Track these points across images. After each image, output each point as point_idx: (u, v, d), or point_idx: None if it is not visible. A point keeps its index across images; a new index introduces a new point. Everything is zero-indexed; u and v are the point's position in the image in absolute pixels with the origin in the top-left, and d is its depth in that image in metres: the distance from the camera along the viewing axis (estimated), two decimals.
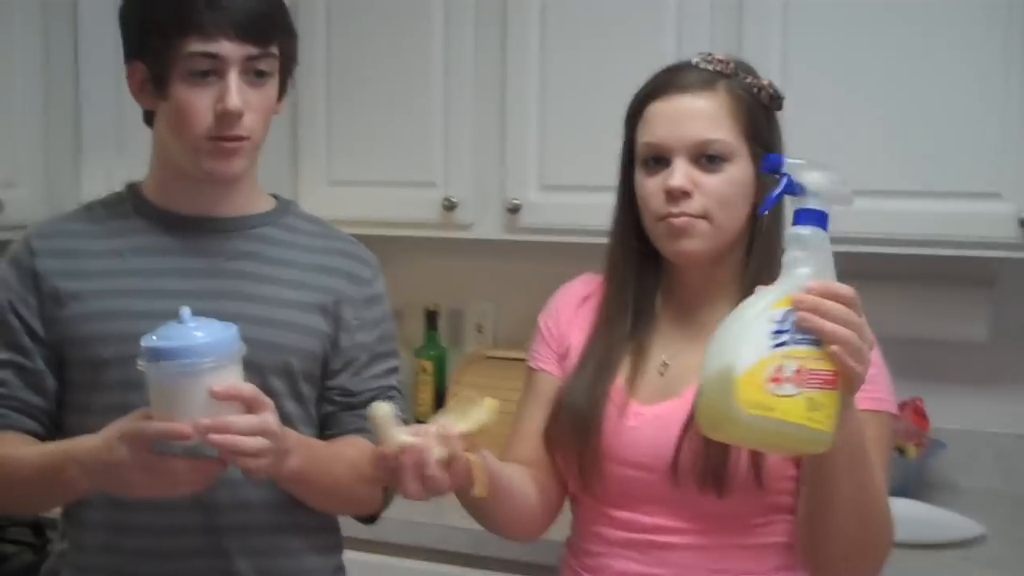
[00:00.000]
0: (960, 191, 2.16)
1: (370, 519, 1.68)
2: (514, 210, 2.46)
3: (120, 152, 2.73)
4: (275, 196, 1.69)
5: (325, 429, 1.62)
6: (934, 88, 2.16)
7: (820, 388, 1.25)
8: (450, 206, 2.51)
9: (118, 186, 2.62)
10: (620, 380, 1.58)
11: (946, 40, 2.15)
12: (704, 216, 1.51)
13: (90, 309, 1.53)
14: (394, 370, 1.68)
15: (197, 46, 1.46)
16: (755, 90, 1.54)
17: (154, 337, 1.33)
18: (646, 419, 1.54)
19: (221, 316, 1.38)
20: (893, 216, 2.19)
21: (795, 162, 1.31)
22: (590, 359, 1.60)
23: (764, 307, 1.27)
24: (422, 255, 2.81)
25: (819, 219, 1.28)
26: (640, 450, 1.52)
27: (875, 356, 1.50)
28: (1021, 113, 2.11)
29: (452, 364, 2.83)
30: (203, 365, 1.31)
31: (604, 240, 2.38)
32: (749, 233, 1.56)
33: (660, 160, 1.54)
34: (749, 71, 1.57)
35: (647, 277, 1.62)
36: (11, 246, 1.61)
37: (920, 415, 2.39)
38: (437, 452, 1.34)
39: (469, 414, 1.39)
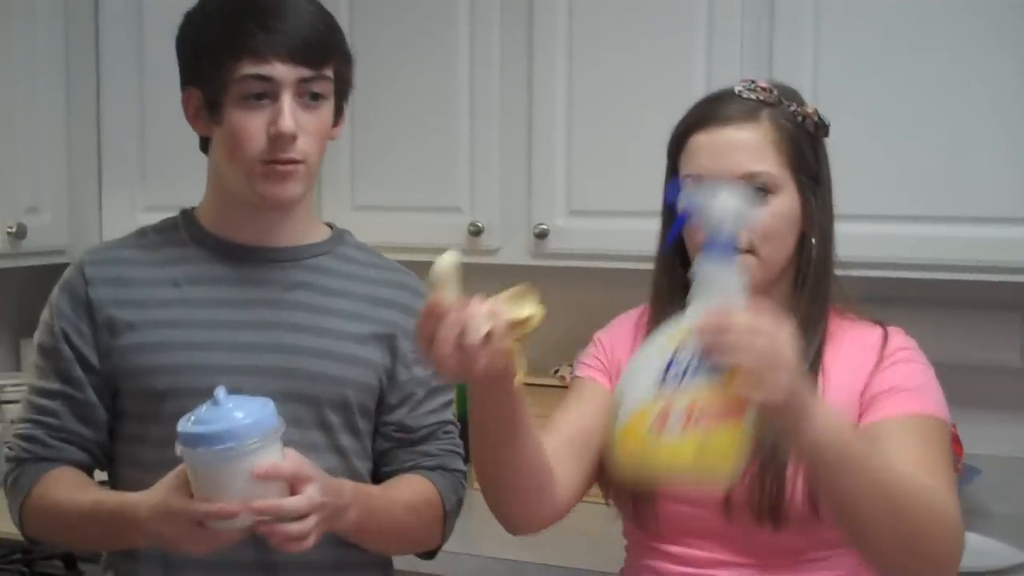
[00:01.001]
0: (992, 216, 2.15)
1: (429, 555, 1.67)
2: (542, 235, 2.44)
3: (142, 179, 2.75)
4: (329, 225, 1.67)
5: (381, 466, 1.60)
6: (966, 113, 2.15)
7: (717, 424, 1.23)
8: (476, 231, 2.49)
9: (140, 212, 2.66)
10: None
11: (978, 65, 2.14)
12: (749, 250, 1.48)
13: (145, 339, 1.51)
14: (449, 404, 1.65)
15: (250, 69, 1.45)
16: (800, 119, 1.52)
17: (191, 420, 1.32)
18: None
19: (278, 347, 1.37)
20: (925, 241, 2.18)
21: (693, 192, 1.29)
22: None
23: (653, 348, 1.27)
24: None
25: (722, 250, 1.26)
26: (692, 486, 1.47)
27: (920, 366, 1.52)
28: None
29: (467, 389, 2.80)
30: (244, 449, 1.31)
31: (632, 265, 2.40)
32: (797, 262, 1.54)
33: None
34: (793, 98, 1.54)
35: None
36: (65, 273, 1.60)
37: (954, 441, 2.37)
38: (482, 325, 1.24)
39: (521, 306, 1.31)
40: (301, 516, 1.34)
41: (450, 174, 2.52)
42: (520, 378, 1.33)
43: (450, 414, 1.65)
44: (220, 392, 1.33)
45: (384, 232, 2.51)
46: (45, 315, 1.58)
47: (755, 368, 1.21)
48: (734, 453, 1.25)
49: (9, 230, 2.51)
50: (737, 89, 1.54)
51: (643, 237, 2.35)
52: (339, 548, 1.54)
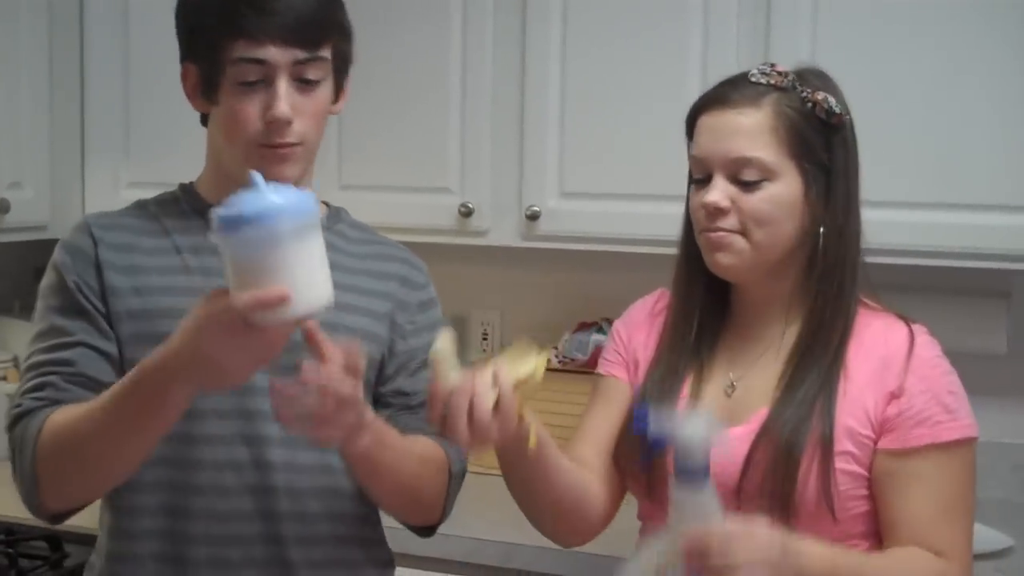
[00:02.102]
0: (985, 203, 2.16)
1: (428, 531, 1.65)
2: (533, 217, 2.43)
3: (126, 154, 2.73)
4: (325, 203, 1.66)
5: None
6: (961, 100, 2.15)
7: None
8: (467, 212, 2.48)
9: (124, 188, 2.63)
10: (684, 395, 1.56)
11: (974, 53, 2.14)
12: (740, 232, 1.50)
13: (151, 305, 1.50)
14: None
15: (244, 51, 1.43)
16: (809, 105, 1.51)
17: (232, 204, 1.20)
18: None
19: None
20: (918, 228, 2.19)
21: (663, 424, 1.33)
22: (656, 372, 1.59)
23: (645, 571, 1.34)
24: (429, 261, 2.77)
25: (697, 475, 1.31)
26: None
27: (948, 378, 1.53)
28: None
29: None
30: (289, 225, 1.19)
31: (624, 248, 2.40)
32: (808, 249, 1.54)
33: (704, 174, 1.53)
34: (812, 83, 1.53)
35: (713, 292, 1.60)
36: (66, 237, 1.56)
37: None
38: (488, 398, 1.30)
39: (522, 362, 1.35)
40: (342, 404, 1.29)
41: (440, 154, 2.50)
42: (533, 442, 1.39)
43: None
44: (257, 176, 1.23)
45: (373, 212, 2.44)
46: (49, 278, 1.54)
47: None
48: None
49: None
50: (752, 73, 1.54)
51: (635, 220, 2.38)
52: (345, 524, 1.56)
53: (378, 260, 1.63)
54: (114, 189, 2.66)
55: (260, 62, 1.44)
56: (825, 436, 1.47)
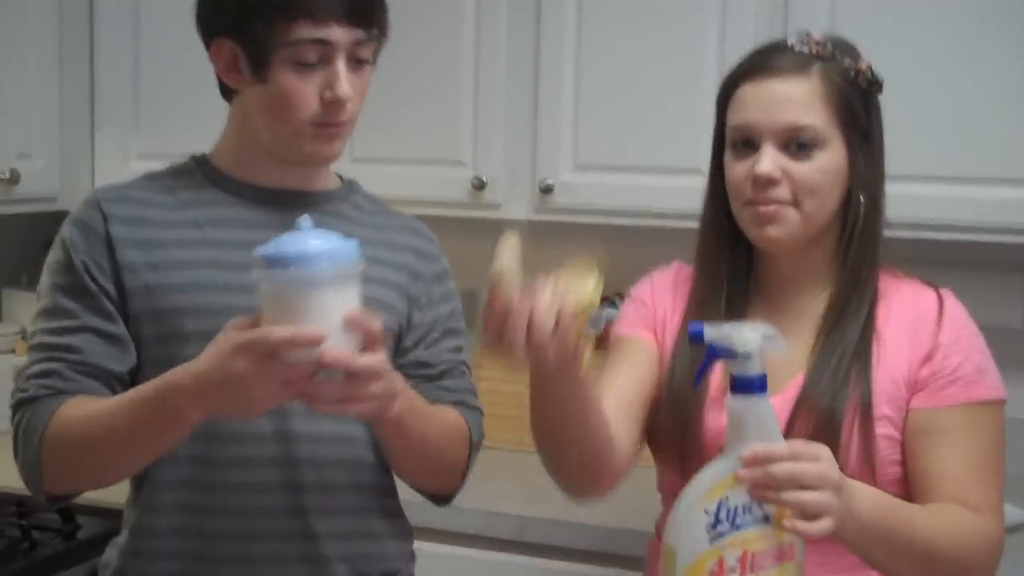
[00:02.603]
0: (1002, 177, 2.14)
1: (445, 499, 1.65)
2: (547, 190, 2.41)
3: (135, 126, 2.71)
4: (338, 175, 1.66)
5: None
6: (977, 75, 2.14)
7: (773, 566, 1.27)
8: (479, 185, 2.46)
9: (133, 160, 2.61)
10: (718, 367, 1.54)
11: (990, 26, 2.12)
12: (792, 204, 1.49)
13: (171, 280, 1.47)
14: (461, 348, 1.66)
15: (305, 32, 1.41)
16: (852, 74, 1.51)
17: (275, 244, 1.24)
18: None
19: None
20: (934, 201, 2.17)
21: (719, 328, 1.29)
22: (687, 344, 1.56)
23: (698, 497, 1.27)
24: (441, 234, 2.76)
25: (754, 385, 1.27)
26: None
27: (977, 340, 1.55)
28: None
29: (467, 346, 2.78)
30: (332, 274, 1.22)
31: (639, 221, 2.38)
32: (842, 218, 1.53)
33: (749, 144, 1.51)
34: (848, 52, 1.53)
35: (738, 262, 1.59)
36: (75, 211, 1.54)
37: None
38: (549, 317, 1.23)
39: (582, 282, 1.29)
40: (365, 377, 1.27)
41: (453, 126, 2.48)
42: (586, 365, 1.33)
43: (464, 356, 1.66)
44: (306, 220, 1.25)
45: (384, 185, 2.42)
46: (57, 254, 1.51)
47: (811, 500, 1.25)
48: None
49: (1, 176, 2.46)
50: (790, 41, 1.53)
51: (650, 193, 2.36)
52: (367, 494, 1.56)
53: (392, 231, 1.62)
54: (123, 160, 2.65)
55: (322, 42, 1.42)
56: (864, 401, 1.48)
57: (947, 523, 1.45)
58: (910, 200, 2.15)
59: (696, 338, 1.30)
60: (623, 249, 2.52)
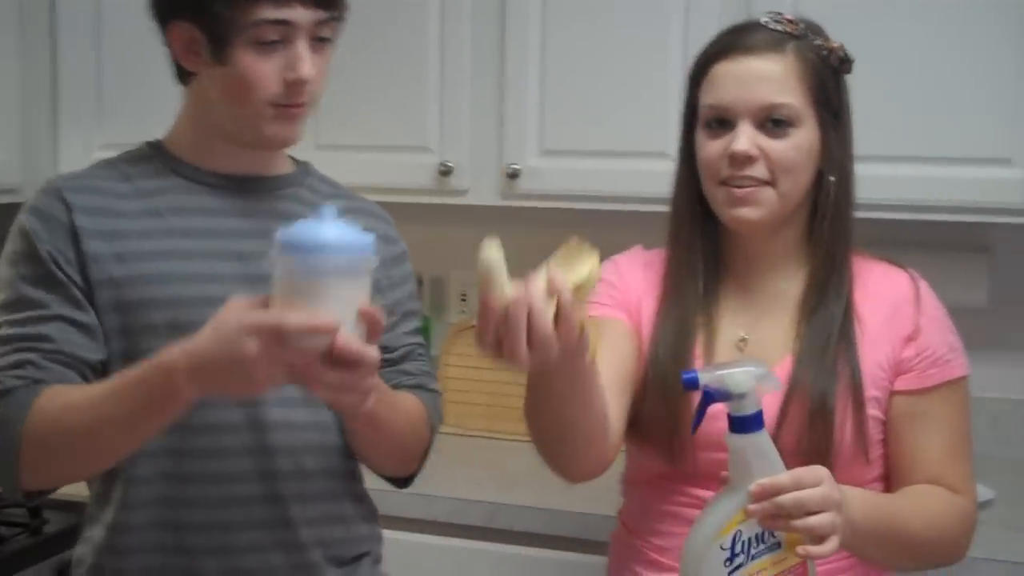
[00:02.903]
0: (969, 157, 2.16)
1: (405, 482, 1.65)
2: (513, 175, 2.40)
3: (98, 115, 2.68)
4: (291, 157, 1.64)
5: None
6: (946, 54, 2.14)
7: None
8: (446, 171, 2.45)
9: (96, 150, 2.59)
10: (698, 352, 1.54)
11: (959, 5, 2.13)
12: (768, 182, 1.49)
13: (138, 271, 1.45)
14: (419, 330, 1.67)
15: (268, 13, 1.40)
16: (825, 52, 1.51)
17: (296, 230, 1.22)
18: None
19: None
20: (897, 182, 2.18)
21: (712, 372, 1.31)
22: (666, 328, 1.56)
23: (713, 534, 1.32)
24: (408, 221, 2.75)
25: (751, 423, 1.30)
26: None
27: (948, 320, 1.58)
28: None
29: (436, 334, 2.79)
30: (351, 264, 1.22)
31: (605, 206, 2.38)
32: (812, 198, 1.54)
33: (724, 123, 1.50)
34: (819, 32, 1.54)
35: (710, 242, 1.58)
36: (33, 200, 1.49)
37: None
38: (548, 309, 1.18)
39: (575, 265, 1.23)
40: (367, 369, 1.25)
41: (419, 113, 2.46)
42: (593, 351, 1.32)
43: (421, 338, 1.67)
44: (330, 209, 1.24)
45: (350, 171, 2.40)
46: (17, 245, 1.47)
47: (821, 524, 1.28)
48: None
49: None
50: (763, 20, 1.53)
51: (617, 177, 2.36)
52: (338, 479, 1.56)
53: (351, 215, 1.58)
54: (86, 151, 2.61)
55: (284, 23, 1.41)
56: (855, 383, 1.49)
57: (931, 510, 1.50)
58: (875, 180, 2.13)
59: (691, 384, 1.32)
60: (589, 233, 2.51)
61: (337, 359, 1.21)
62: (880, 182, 2.15)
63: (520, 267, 2.60)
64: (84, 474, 1.47)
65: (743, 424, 1.30)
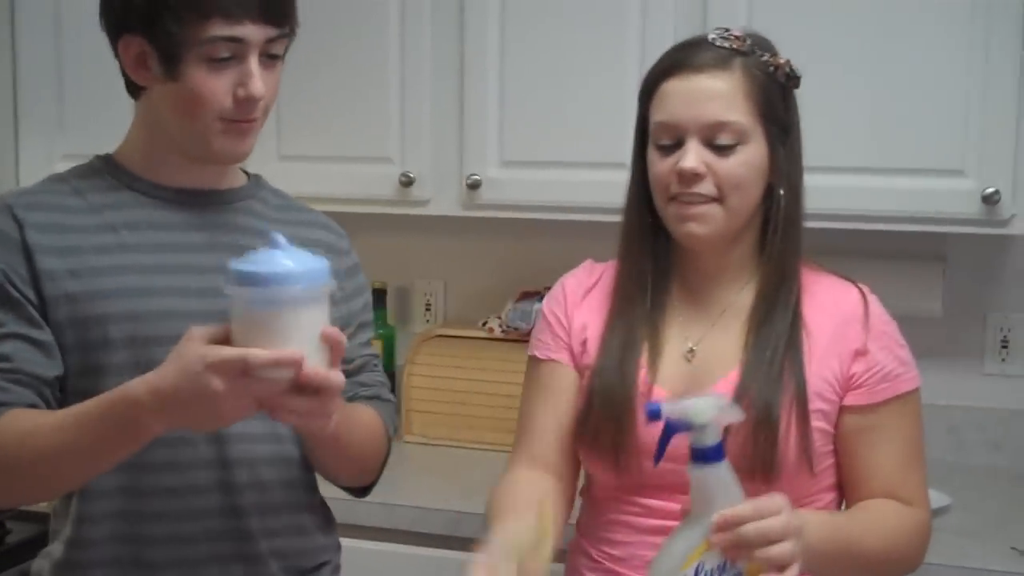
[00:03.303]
0: (924, 168, 2.18)
1: (363, 491, 1.67)
2: (474, 186, 2.42)
3: (60, 128, 2.68)
4: (243, 171, 1.64)
5: None
6: (899, 66, 2.17)
7: None
8: (407, 182, 2.46)
9: (58, 161, 2.58)
10: (643, 362, 1.56)
11: (912, 17, 2.16)
12: (716, 199, 1.50)
13: (94, 287, 1.45)
14: (372, 340, 1.68)
15: (219, 30, 1.40)
16: (771, 69, 1.53)
17: (250, 261, 1.23)
18: None
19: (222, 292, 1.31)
20: (853, 192, 2.21)
21: (674, 404, 1.32)
22: (613, 341, 1.58)
23: (676, 566, 1.32)
24: (371, 231, 2.77)
25: (712, 454, 1.31)
26: (679, 443, 1.44)
27: (898, 335, 1.58)
28: (984, 91, 2.13)
29: (401, 343, 2.80)
30: (307, 294, 1.23)
31: (564, 216, 2.40)
32: (763, 212, 1.56)
33: (673, 140, 1.52)
34: (766, 48, 1.55)
35: (660, 255, 1.60)
36: None
37: None
38: None
39: (537, 548, 1.36)
40: (332, 393, 1.27)
41: (381, 124, 2.48)
42: (544, 532, 1.37)
43: (375, 349, 1.69)
44: (280, 237, 1.25)
45: (312, 182, 2.46)
46: None
47: (781, 553, 1.30)
48: None
49: None
50: (711, 37, 1.54)
51: (575, 188, 2.38)
52: (296, 490, 1.56)
53: (303, 227, 1.61)
54: (48, 162, 2.61)
55: (236, 40, 1.42)
56: (800, 394, 1.50)
57: (885, 527, 1.52)
58: (830, 191, 2.18)
59: (654, 415, 1.33)
60: (549, 243, 2.57)
61: (303, 388, 1.23)
62: (836, 193, 2.19)
63: (476, 274, 2.61)
64: (44, 497, 1.47)
65: (704, 455, 1.31)
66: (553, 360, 1.63)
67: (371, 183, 2.49)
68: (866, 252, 2.43)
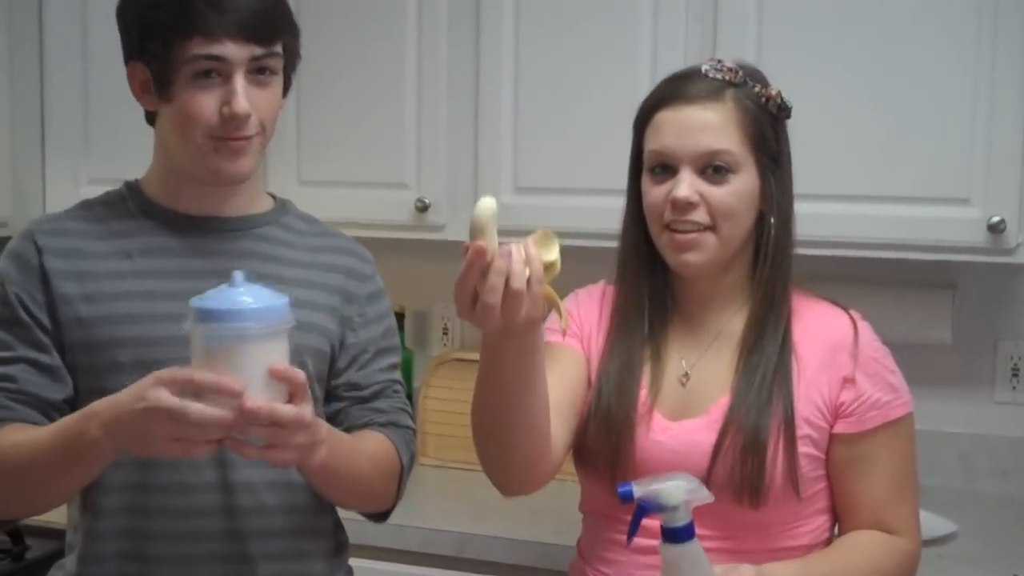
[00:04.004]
0: (930, 196, 2.20)
1: (382, 516, 1.67)
2: None
3: (86, 151, 2.74)
4: (271, 195, 1.68)
5: (335, 425, 1.59)
6: (906, 95, 2.19)
7: None
8: (423, 207, 2.50)
9: (84, 185, 2.63)
10: (643, 386, 1.59)
11: (918, 48, 2.18)
12: (709, 228, 1.53)
13: (106, 312, 1.50)
14: (396, 366, 1.68)
15: (201, 49, 1.44)
16: (763, 100, 1.55)
17: (207, 298, 1.29)
18: (674, 434, 1.56)
19: None
20: (860, 220, 2.23)
21: (646, 487, 1.36)
22: (612, 365, 1.60)
23: None
24: (389, 256, 2.79)
25: (683, 533, 1.36)
26: (671, 465, 1.51)
27: (889, 361, 1.60)
28: (990, 121, 2.15)
29: (419, 366, 2.83)
30: (259, 331, 1.27)
31: (577, 242, 2.42)
32: (755, 239, 1.58)
33: (667, 169, 1.55)
34: (758, 79, 1.58)
35: (657, 283, 1.63)
36: (9, 244, 1.56)
37: None
38: (523, 271, 1.29)
39: (546, 248, 1.35)
40: (289, 427, 1.30)
41: (397, 150, 2.53)
42: (565, 324, 1.40)
43: (397, 375, 1.68)
44: (239, 275, 1.30)
45: (331, 207, 2.47)
46: None
47: None
48: None
49: None
50: (704, 68, 1.57)
51: (588, 214, 2.41)
52: (299, 515, 1.57)
53: (326, 253, 1.64)
54: (74, 186, 2.67)
55: (217, 59, 1.45)
56: (788, 418, 1.52)
57: (865, 566, 1.53)
58: (837, 219, 2.22)
59: (626, 497, 1.36)
60: (563, 268, 2.59)
61: (248, 421, 1.26)
62: (843, 221, 2.22)
63: None
64: (38, 507, 1.50)
65: (675, 535, 1.36)
66: (563, 343, 1.64)
67: (388, 208, 2.53)
68: (875, 280, 2.45)
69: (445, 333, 2.91)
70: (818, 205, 2.19)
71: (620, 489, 1.37)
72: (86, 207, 1.60)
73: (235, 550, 1.53)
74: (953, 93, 2.17)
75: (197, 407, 1.25)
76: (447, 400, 2.66)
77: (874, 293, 2.45)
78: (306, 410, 1.31)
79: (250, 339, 1.28)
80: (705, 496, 1.36)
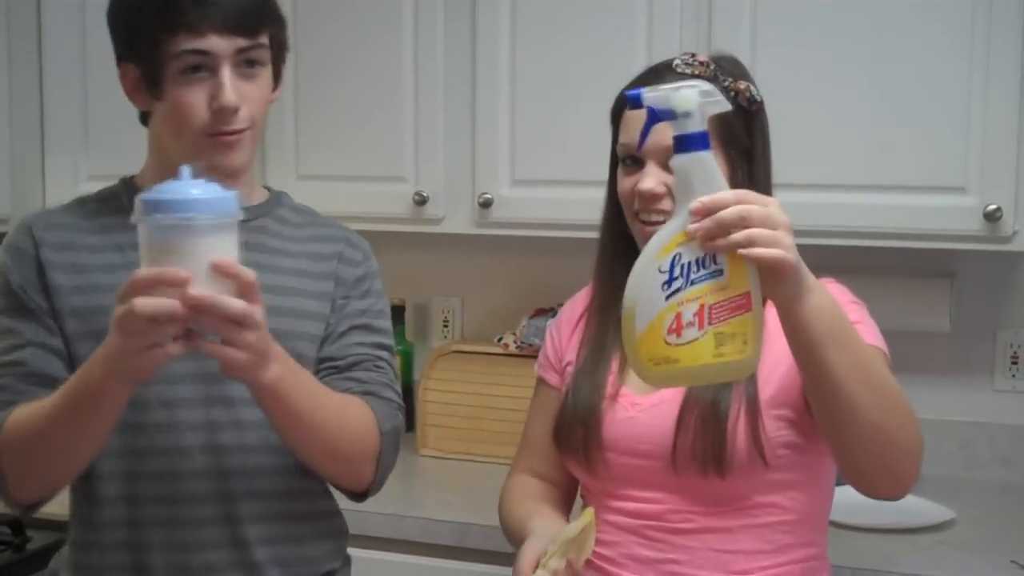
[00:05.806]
0: (926, 185, 2.20)
1: (361, 496, 1.64)
2: (486, 205, 2.46)
3: (85, 149, 2.75)
4: (267, 187, 1.70)
5: None
6: (901, 85, 2.20)
7: (729, 317, 1.25)
8: (421, 201, 2.51)
9: (83, 181, 2.65)
10: (613, 367, 1.63)
11: (913, 37, 2.19)
12: None
13: (95, 303, 1.52)
14: (382, 346, 1.65)
15: (186, 44, 1.45)
16: (732, 94, 1.55)
17: (152, 190, 1.27)
18: (642, 408, 1.58)
19: None
20: (862, 210, 2.23)
21: (656, 91, 1.27)
22: (586, 347, 1.66)
23: (652, 256, 1.26)
24: (389, 250, 2.80)
25: (696, 141, 1.25)
26: (639, 439, 1.57)
27: (858, 307, 1.59)
28: (985, 109, 2.15)
29: (419, 359, 2.84)
30: (202, 220, 1.25)
31: (574, 234, 2.44)
32: None
33: (636, 161, 1.58)
34: (732, 72, 1.58)
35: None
36: (7, 237, 1.59)
37: None
38: None
39: (581, 546, 1.50)
40: (238, 323, 1.27)
41: (395, 144, 2.53)
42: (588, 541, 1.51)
43: (385, 354, 1.65)
44: (185, 169, 1.28)
45: (329, 201, 2.45)
46: None
47: (763, 235, 1.22)
48: (752, 341, 1.27)
49: None
50: (675, 63, 1.59)
51: (585, 206, 2.39)
52: (296, 499, 1.59)
53: (318, 242, 1.65)
54: (74, 182, 2.69)
55: (203, 53, 1.46)
56: (749, 391, 1.52)
57: (884, 369, 1.45)
58: (838, 209, 2.22)
59: (635, 102, 1.29)
60: (563, 260, 2.61)
61: (195, 311, 1.24)
62: (839, 210, 2.22)
63: (493, 290, 2.62)
64: (58, 477, 1.49)
65: (687, 142, 1.25)
66: (544, 379, 1.75)
67: (386, 202, 2.54)
68: (874, 269, 2.46)
69: (445, 325, 2.92)
70: (815, 194, 2.21)
71: (629, 94, 1.30)
72: (81, 203, 1.63)
73: (231, 535, 1.54)
74: (948, 81, 2.17)
75: (142, 300, 1.23)
76: (447, 392, 2.67)
77: (872, 282, 2.44)
78: (255, 309, 1.28)
79: (194, 231, 1.24)
80: (720, 104, 1.28)
